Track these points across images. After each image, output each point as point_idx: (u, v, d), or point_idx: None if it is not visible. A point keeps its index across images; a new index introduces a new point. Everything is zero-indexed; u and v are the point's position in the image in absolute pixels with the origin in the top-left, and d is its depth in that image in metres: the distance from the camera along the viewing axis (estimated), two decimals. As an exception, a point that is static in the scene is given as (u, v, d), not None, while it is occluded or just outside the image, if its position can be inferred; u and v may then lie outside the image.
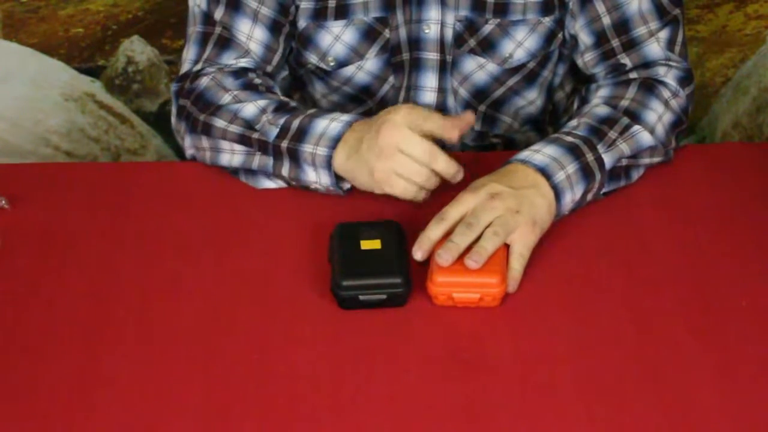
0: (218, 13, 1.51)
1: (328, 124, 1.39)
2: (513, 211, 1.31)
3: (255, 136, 1.43)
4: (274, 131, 1.41)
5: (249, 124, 1.43)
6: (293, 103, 1.46)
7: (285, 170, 1.42)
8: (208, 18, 1.52)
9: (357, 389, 1.20)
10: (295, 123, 1.41)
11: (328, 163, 1.38)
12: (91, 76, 2.29)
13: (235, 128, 1.44)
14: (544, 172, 1.36)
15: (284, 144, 1.40)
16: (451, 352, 1.24)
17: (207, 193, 1.48)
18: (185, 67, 1.54)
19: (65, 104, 2.29)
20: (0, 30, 2.24)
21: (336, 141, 1.38)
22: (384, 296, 1.28)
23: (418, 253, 1.31)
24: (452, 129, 1.34)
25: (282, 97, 1.47)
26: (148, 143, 2.34)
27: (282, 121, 1.42)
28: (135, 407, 1.19)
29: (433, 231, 1.31)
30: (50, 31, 2.25)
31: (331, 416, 1.17)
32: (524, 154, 1.39)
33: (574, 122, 1.45)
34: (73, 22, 2.24)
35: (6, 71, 2.27)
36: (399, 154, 1.33)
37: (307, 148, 1.39)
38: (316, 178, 1.41)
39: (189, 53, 1.54)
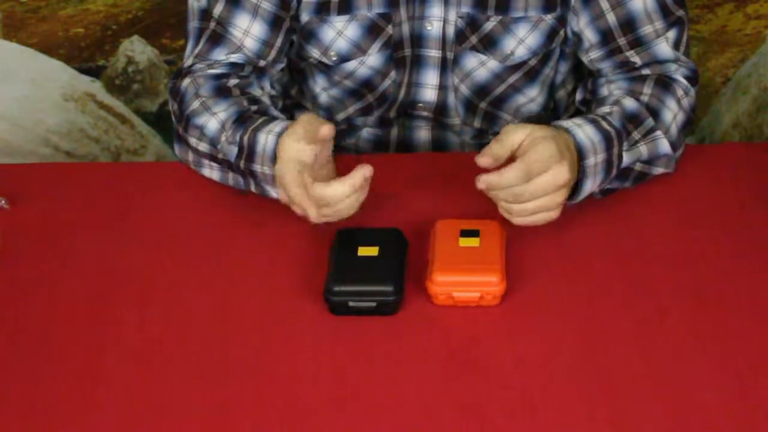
0: (218, 9, 1.51)
1: (266, 140, 1.39)
2: (564, 195, 1.30)
3: (220, 156, 1.43)
4: (234, 151, 1.42)
5: (213, 143, 1.44)
6: (254, 108, 1.45)
7: (253, 188, 1.43)
8: (205, 14, 1.52)
9: (357, 389, 1.20)
10: (245, 140, 1.41)
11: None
12: (91, 76, 2.29)
13: (203, 147, 1.45)
14: (581, 151, 1.35)
15: (242, 164, 1.41)
16: (451, 353, 1.24)
17: (207, 193, 1.48)
18: (181, 63, 1.55)
19: (65, 104, 2.30)
20: (0, 30, 2.24)
21: (275, 159, 1.37)
22: (374, 304, 1.27)
23: (483, 159, 1.30)
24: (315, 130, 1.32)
25: (245, 104, 1.46)
26: (148, 143, 2.34)
27: (237, 138, 1.42)
28: (134, 407, 1.19)
29: (504, 146, 1.29)
30: (50, 31, 2.25)
31: (331, 416, 1.17)
32: (567, 124, 1.38)
33: (606, 108, 1.43)
34: (73, 22, 2.24)
35: (6, 71, 2.27)
36: (294, 206, 1.33)
37: (257, 168, 1.39)
38: (276, 195, 1.41)
39: (186, 49, 1.55)
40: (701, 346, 1.24)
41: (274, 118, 1.42)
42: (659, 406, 1.17)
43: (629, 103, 1.45)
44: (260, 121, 1.42)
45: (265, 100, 1.50)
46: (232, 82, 1.49)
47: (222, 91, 1.48)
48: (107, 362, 1.24)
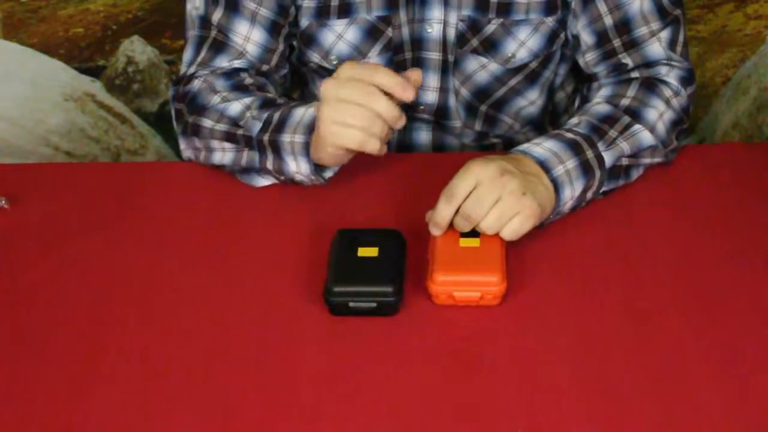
0: (216, 16, 1.52)
1: (305, 112, 1.40)
2: (519, 192, 1.30)
3: (240, 132, 1.43)
4: (258, 126, 1.42)
5: (234, 122, 1.44)
6: (280, 100, 1.46)
7: (269, 163, 1.43)
8: (205, 21, 1.53)
9: (357, 389, 1.20)
10: (276, 115, 1.41)
11: (306, 150, 1.38)
12: (91, 76, 2.29)
13: (221, 126, 1.45)
14: (544, 164, 1.36)
15: (266, 137, 1.41)
16: (452, 352, 1.24)
17: (207, 193, 1.48)
18: (181, 71, 1.55)
19: (65, 104, 2.30)
20: (0, 30, 2.24)
21: (312, 127, 1.38)
22: (374, 304, 1.27)
23: (436, 231, 1.32)
24: (404, 87, 1.31)
25: (269, 94, 1.47)
26: (148, 143, 2.34)
27: (265, 115, 1.42)
28: (134, 407, 1.19)
29: (445, 210, 1.31)
30: (50, 31, 2.25)
31: (331, 416, 1.17)
32: (524, 146, 1.39)
33: (574, 120, 1.45)
34: (73, 22, 2.24)
35: (6, 71, 2.27)
36: (339, 103, 1.31)
37: (286, 137, 1.40)
38: (296, 168, 1.41)
39: (186, 56, 1.55)
40: (701, 346, 1.24)
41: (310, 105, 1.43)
42: (659, 406, 1.17)
43: (601, 108, 1.46)
44: (296, 102, 1.43)
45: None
46: (248, 80, 1.50)
47: (240, 87, 1.48)
48: (107, 362, 1.24)
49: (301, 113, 1.40)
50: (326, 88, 1.32)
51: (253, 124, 1.42)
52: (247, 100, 1.45)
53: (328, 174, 1.42)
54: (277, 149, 1.41)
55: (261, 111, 1.43)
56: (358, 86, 1.30)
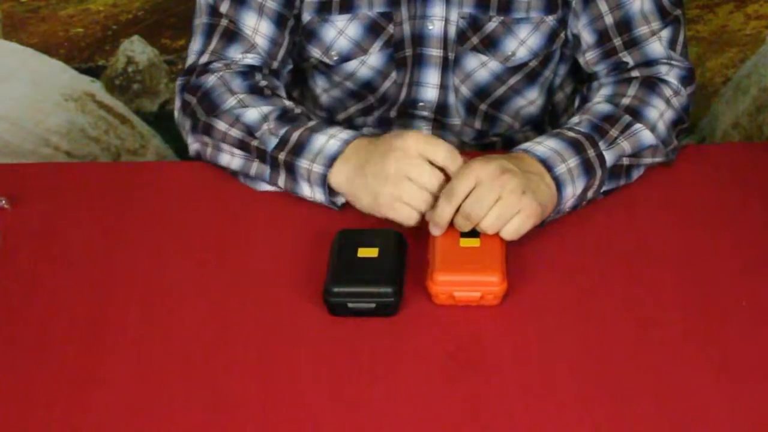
0: (224, 6, 1.52)
1: (326, 141, 1.39)
2: (520, 191, 1.30)
3: (254, 143, 1.43)
4: (274, 141, 1.42)
5: (249, 130, 1.44)
6: (297, 110, 1.46)
7: (281, 181, 1.43)
8: (214, 10, 1.52)
9: (357, 389, 1.20)
10: (295, 135, 1.41)
11: (323, 181, 1.39)
12: (91, 76, 2.29)
13: (235, 132, 1.44)
14: (546, 163, 1.36)
15: (282, 156, 1.41)
16: (452, 352, 1.24)
17: (207, 193, 1.48)
18: (190, 60, 1.54)
19: (65, 104, 2.29)
20: (0, 30, 2.24)
21: (332, 160, 1.38)
22: (373, 305, 1.27)
23: (436, 230, 1.32)
24: (457, 161, 1.33)
25: (287, 103, 1.47)
26: (148, 143, 2.34)
27: (282, 131, 1.42)
28: (134, 407, 1.19)
29: (445, 210, 1.31)
30: (50, 31, 2.25)
31: (331, 416, 1.17)
32: (526, 145, 1.40)
33: (575, 119, 1.45)
34: (73, 22, 2.24)
35: (6, 71, 2.27)
36: (407, 182, 1.32)
37: (303, 163, 1.39)
38: (311, 193, 1.41)
39: (195, 45, 1.54)
40: (701, 346, 1.24)
41: (330, 124, 1.43)
42: (659, 406, 1.17)
43: (602, 108, 1.46)
44: (315, 123, 1.43)
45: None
46: (263, 82, 1.49)
47: (256, 90, 1.48)
48: (106, 362, 1.24)
49: (323, 142, 1.39)
50: (394, 163, 1.31)
51: (269, 139, 1.42)
52: (265, 108, 1.45)
53: (341, 200, 1.42)
54: (292, 171, 1.41)
55: (278, 124, 1.43)
56: (429, 172, 1.32)
